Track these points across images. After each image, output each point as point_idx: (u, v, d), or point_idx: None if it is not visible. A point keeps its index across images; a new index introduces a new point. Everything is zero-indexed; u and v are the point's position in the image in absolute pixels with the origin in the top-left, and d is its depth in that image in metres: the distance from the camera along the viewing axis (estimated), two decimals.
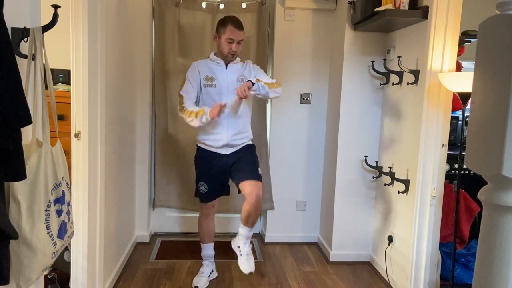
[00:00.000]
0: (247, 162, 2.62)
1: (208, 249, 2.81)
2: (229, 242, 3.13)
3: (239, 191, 2.65)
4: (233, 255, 3.09)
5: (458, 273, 2.67)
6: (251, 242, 2.72)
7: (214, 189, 2.68)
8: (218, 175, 2.65)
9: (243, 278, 2.83)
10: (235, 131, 2.58)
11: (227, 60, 2.60)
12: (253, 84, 2.45)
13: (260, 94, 2.51)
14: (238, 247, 2.65)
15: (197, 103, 2.60)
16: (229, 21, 2.52)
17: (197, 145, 2.72)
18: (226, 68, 2.60)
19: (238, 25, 2.52)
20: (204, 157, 2.65)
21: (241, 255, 2.61)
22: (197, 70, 2.58)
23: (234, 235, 3.23)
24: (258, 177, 2.58)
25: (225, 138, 2.57)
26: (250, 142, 2.73)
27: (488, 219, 0.88)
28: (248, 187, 2.51)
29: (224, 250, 3.12)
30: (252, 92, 2.46)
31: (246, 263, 2.58)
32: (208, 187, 2.66)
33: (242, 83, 2.50)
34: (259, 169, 2.65)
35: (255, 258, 3.08)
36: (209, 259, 2.82)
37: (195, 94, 2.57)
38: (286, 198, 3.51)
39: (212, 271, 2.82)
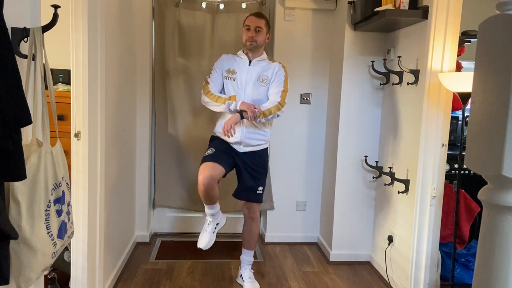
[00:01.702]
0: (253, 173, 2.62)
1: (210, 209, 2.54)
2: (231, 242, 3.14)
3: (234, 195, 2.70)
4: (233, 255, 3.11)
5: (458, 273, 2.67)
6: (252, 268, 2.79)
7: (220, 155, 2.52)
8: (228, 152, 2.57)
9: None
10: (251, 130, 2.56)
11: (248, 49, 2.57)
12: (257, 117, 2.46)
13: (259, 122, 2.54)
14: (241, 276, 2.76)
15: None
16: (250, 14, 2.62)
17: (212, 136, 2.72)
18: (250, 64, 2.60)
19: (257, 14, 2.59)
20: (220, 140, 2.61)
21: (244, 281, 2.71)
22: (222, 62, 2.64)
23: (235, 235, 3.25)
24: (257, 200, 2.67)
25: (239, 135, 2.54)
26: (266, 146, 2.70)
27: (488, 219, 0.88)
28: (246, 209, 2.70)
29: (225, 250, 3.13)
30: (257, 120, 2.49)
31: (250, 286, 2.67)
32: (215, 151, 2.53)
33: (263, 83, 2.58)
34: (260, 188, 2.65)
35: (255, 258, 3.08)
36: (212, 217, 2.57)
37: (220, 81, 2.62)
38: (286, 198, 3.51)
39: (217, 224, 2.61)
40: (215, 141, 2.65)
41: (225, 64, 2.62)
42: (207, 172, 2.40)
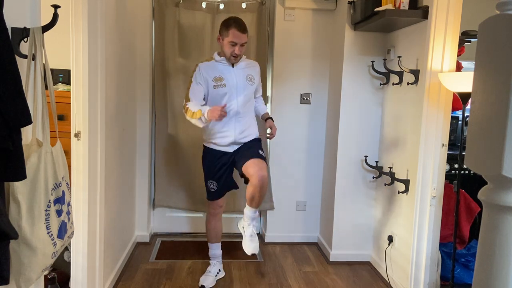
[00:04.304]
0: (248, 147, 2.63)
1: (215, 249, 2.83)
2: (231, 242, 3.13)
3: (245, 182, 2.58)
4: (233, 255, 3.11)
5: (458, 273, 2.67)
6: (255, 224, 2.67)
7: (223, 187, 2.69)
8: (225, 172, 2.66)
9: (243, 278, 2.83)
10: (243, 128, 2.60)
11: (233, 62, 2.58)
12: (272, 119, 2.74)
13: None
14: (243, 227, 2.65)
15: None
16: (232, 24, 2.47)
17: (203, 145, 2.72)
18: (233, 67, 2.60)
19: (242, 28, 2.47)
20: (211, 157, 2.66)
21: (244, 235, 2.60)
22: (203, 74, 2.55)
23: (235, 235, 3.23)
24: (259, 156, 2.54)
25: (233, 136, 2.58)
26: (256, 136, 2.73)
27: (488, 219, 0.88)
28: (250, 168, 2.46)
29: (225, 250, 3.11)
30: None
31: (249, 244, 2.57)
32: (217, 185, 2.67)
33: (250, 82, 2.61)
34: (260, 151, 2.61)
35: (255, 258, 3.08)
36: (217, 259, 2.83)
37: (201, 95, 2.53)
38: (286, 198, 3.51)
39: (220, 270, 2.83)
40: (208, 162, 2.67)
41: (209, 73, 2.55)
42: (216, 210, 2.74)
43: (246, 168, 2.49)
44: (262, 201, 2.59)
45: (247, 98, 2.61)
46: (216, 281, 2.77)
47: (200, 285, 2.67)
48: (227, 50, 2.51)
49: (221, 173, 2.65)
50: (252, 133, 2.67)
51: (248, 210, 2.56)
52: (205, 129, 2.65)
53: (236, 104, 2.56)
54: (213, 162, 2.65)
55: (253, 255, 2.62)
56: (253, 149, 2.61)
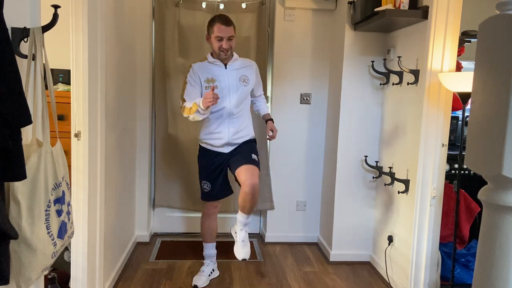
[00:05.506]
0: (243, 150, 2.63)
1: (209, 249, 2.83)
2: (230, 242, 3.13)
3: (239, 183, 2.60)
4: (233, 255, 3.10)
5: (458, 273, 2.67)
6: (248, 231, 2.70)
7: (217, 188, 2.68)
8: (220, 173, 2.66)
9: (243, 278, 2.83)
10: (236, 130, 2.60)
11: (223, 58, 2.56)
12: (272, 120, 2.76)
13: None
14: (235, 233, 2.66)
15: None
16: (216, 19, 2.49)
17: (199, 145, 2.73)
18: (226, 68, 2.59)
19: (225, 21, 2.47)
20: (206, 156, 2.67)
21: (236, 241, 2.63)
22: (197, 74, 2.57)
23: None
24: (252, 162, 2.56)
25: (226, 137, 2.59)
26: (251, 137, 2.73)
27: (488, 219, 0.88)
28: (242, 175, 2.50)
29: (225, 250, 3.12)
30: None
31: (240, 250, 2.59)
32: (211, 186, 2.67)
33: (244, 83, 2.59)
34: (254, 155, 2.62)
35: (255, 258, 3.08)
36: (210, 259, 2.83)
37: (196, 95, 2.55)
38: (286, 198, 3.51)
39: (213, 270, 2.82)
40: (203, 162, 2.68)
41: (202, 74, 2.57)
42: (210, 210, 2.74)
43: (238, 174, 2.53)
44: (254, 207, 2.62)
45: (240, 99, 2.59)
46: (216, 281, 2.77)
47: (193, 285, 2.67)
48: (215, 46, 2.50)
49: (216, 174, 2.65)
50: (247, 134, 2.67)
51: (240, 216, 2.57)
52: (200, 129, 2.67)
53: (229, 105, 2.56)
54: (208, 162, 2.66)
55: (243, 260, 2.61)
56: (247, 153, 2.61)
